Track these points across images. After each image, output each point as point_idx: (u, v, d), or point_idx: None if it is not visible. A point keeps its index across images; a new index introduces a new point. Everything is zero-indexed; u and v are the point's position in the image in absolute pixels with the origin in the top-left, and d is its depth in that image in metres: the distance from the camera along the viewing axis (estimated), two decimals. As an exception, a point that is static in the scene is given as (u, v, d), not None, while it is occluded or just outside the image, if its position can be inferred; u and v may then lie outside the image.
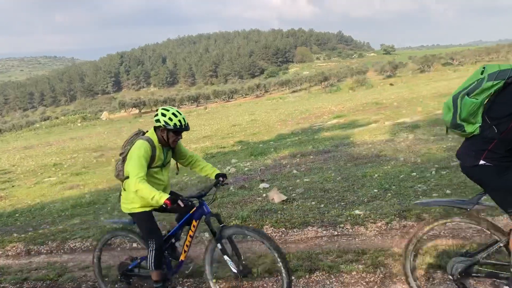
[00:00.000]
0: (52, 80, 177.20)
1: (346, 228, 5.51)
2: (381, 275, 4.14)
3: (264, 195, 7.70)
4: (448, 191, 6.20)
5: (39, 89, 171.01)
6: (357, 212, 5.92)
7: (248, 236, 4.03)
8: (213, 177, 4.15)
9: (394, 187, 6.94)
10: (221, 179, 4.12)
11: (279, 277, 3.95)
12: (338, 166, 9.28)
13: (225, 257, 3.82)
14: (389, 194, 6.57)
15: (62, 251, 6.65)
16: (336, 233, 5.47)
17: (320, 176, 8.47)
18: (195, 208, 3.97)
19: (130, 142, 3.94)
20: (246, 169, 11.00)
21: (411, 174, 7.47)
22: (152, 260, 3.93)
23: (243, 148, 16.19)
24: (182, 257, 4.08)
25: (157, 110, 3.89)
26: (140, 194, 3.67)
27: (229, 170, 11.16)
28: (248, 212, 6.69)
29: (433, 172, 7.36)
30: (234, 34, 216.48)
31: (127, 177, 3.84)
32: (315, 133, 16.42)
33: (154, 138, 3.88)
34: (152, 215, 4.05)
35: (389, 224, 5.36)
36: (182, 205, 3.63)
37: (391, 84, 52.94)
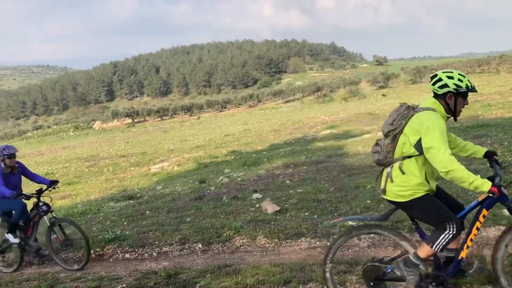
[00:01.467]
0: (45, 89, 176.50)
1: (339, 239, 5.51)
2: (374, 286, 4.14)
3: (257, 205, 7.71)
4: (440, 202, 6.23)
5: (32, 98, 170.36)
6: (350, 223, 5.93)
7: None
8: (480, 156, 3.46)
9: (386, 198, 6.95)
10: (495, 157, 3.44)
11: None
12: (331, 177, 9.31)
13: None
14: (382, 205, 6.60)
15: (53, 261, 6.59)
16: (329, 244, 5.46)
17: (313, 187, 8.49)
18: (485, 195, 3.19)
19: (404, 116, 3.32)
20: (239, 179, 11.01)
21: (404, 185, 7.49)
22: (445, 242, 3.24)
23: (236, 158, 16.20)
24: (462, 254, 3.34)
25: (434, 77, 3.31)
26: (452, 175, 3.02)
27: (222, 180, 11.16)
28: (241, 223, 6.70)
29: (425, 183, 7.39)
30: (227, 44, 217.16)
31: (408, 156, 3.26)
32: (308, 143, 16.48)
33: (439, 109, 3.27)
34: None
35: (382, 235, 5.37)
36: (506, 193, 3.03)
37: (383, 95, 53.28)
